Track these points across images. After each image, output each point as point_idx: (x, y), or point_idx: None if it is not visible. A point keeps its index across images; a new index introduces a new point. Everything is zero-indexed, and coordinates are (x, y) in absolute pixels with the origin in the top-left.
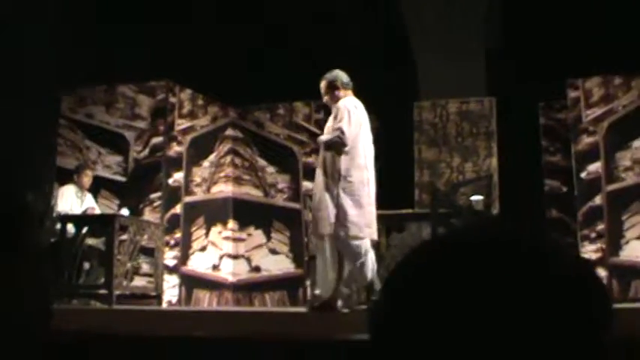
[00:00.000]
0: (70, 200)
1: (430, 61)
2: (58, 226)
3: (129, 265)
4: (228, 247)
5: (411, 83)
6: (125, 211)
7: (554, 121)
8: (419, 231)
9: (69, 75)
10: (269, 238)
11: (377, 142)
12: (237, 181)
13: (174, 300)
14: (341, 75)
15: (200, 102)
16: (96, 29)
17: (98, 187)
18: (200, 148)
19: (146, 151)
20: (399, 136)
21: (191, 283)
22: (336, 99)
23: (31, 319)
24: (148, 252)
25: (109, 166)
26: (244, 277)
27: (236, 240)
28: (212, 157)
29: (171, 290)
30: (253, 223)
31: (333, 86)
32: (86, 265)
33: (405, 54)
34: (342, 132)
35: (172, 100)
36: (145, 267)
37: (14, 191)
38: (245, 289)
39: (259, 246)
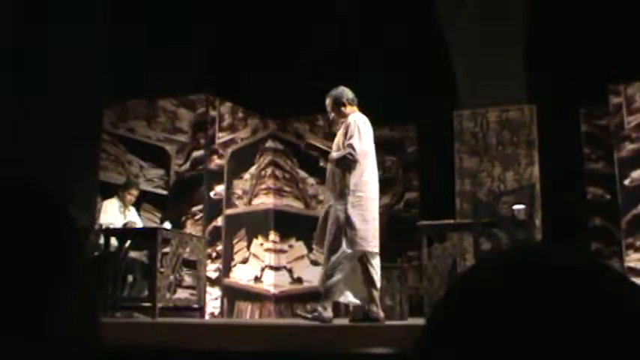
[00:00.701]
0: (113, 214)
1: (469, 68)
2: (102, 239)
3: (172, 277)
4: (270, 259)
5: (450, 92)
6: (167, 225)
7: (596, 127)
8: (460, 241)
9: (111, 89)
10: (310, 249)
11: (417, 152)
12: (278, 192)
13: (216, 312)
14: (347, 91)
15: (240, 114)
16: (136, 44)
17: (140, 201)
18: (241, 161)
19: (187, 165)
20: (440, 146)
21: (233, 295)
22: (342, 115)
23: (81, 338)
24: (191, 264)
25: (151, 179)
26: (286, 289)
27: (277, 252)
28: (253, 169)
29: (213, 302)
30: (294, 235)
31: (339, 103)
32: (130, 279)
33: (444, 62)
34: (354, 148)
35: (212, 113)
36: (188, 279)
37: (62, 207)
38: (287, 300)
39: (301, 257)
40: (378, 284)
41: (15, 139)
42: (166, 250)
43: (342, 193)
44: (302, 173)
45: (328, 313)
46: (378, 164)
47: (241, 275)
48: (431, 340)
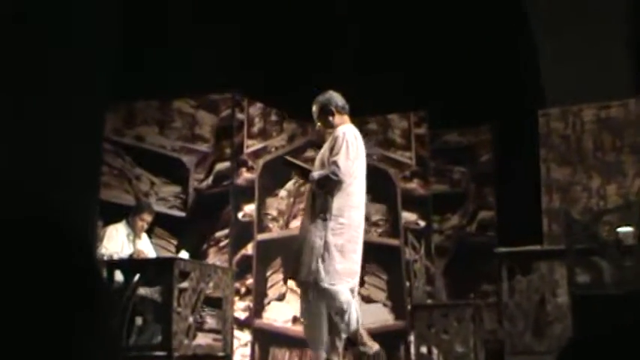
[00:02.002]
0: (119, 243)
1: (558, 57)
2: (104, 273)
3: (191, 319)
4: None
5: (534, 86)
6: (185, 254)
7: None
8: (550, 273)
9: (113, 89)
10: (362, 283)
11: (493, 161)
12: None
13: None
14: (335, 97)
15: (273, 118)
16: (146, 35)
17: (152, 225)
18: (275, 175)
19: (209, 180)
20: (521, 153)
21: (267, 339)
22: (330, 126)
23: None
24: (214, 303)
25: (165, 198)
26: None
27: None
28: (290, 184)
29: (242, 349)
30: None
31: (327, 111)
32: (139, 321)
33: (526, 50)
34: (338, 167)
35: (240, 116)
36: (211, 321)
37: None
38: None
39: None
40: (354, 324)
41: None
42: (184, 285)
43: (321, 217)
44: None
45: (375, 346)
46: (444, 175)
47: (277, 315)
48: None
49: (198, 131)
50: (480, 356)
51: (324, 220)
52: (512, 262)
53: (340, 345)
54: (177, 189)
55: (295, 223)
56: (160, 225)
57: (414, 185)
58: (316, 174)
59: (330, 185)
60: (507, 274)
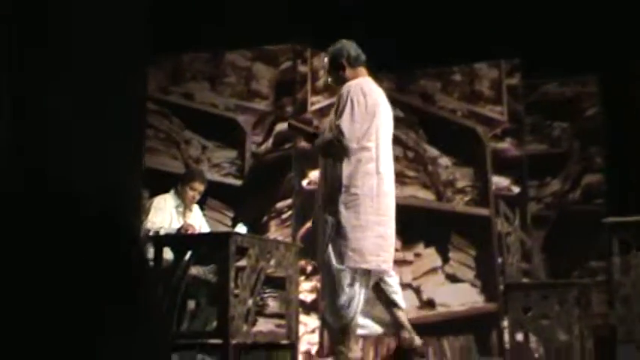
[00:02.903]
0: (168, 216)
1: None
2: (151, 251)
3: (250, 302)
4: None
5: None
6: (242, 228)
7: None
8: None
9: (157, 40)
10: (446, 259)
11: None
12: (398, 179)
13: (313, 350)
14: (347, 47)
15: None
16: None
17: (204, 195)
18: None
19: (269, 143)
20: (635, 106)
21: None
22: (342, 80)
23: None
24: (277, 284)
25: (218, 164)
26: (412, 316)
27: (399, 263)
28: None
29: (309, 336)
30: (423, 239)
31: (337, 64)
32: (191, 305)
33: None
34: (341, 131)
35: (302, 69)
36: (273, 305)
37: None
38: (414, 332)
39: (432, 271)
40: (402, 304)
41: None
42: (242, 263)
43: (333, 189)
44: (432, 151)
45: (355, 354)
46: (542, 133)
47: None
48: None
49: (254, 87)
50: (586, 345)
51: (335, 192)
52: (625, 234)
53: (404, 317)
54: (232, 154)
55: None
56: (214, 195)
57: (506, 145)
58: (320, 140)
59: (334, 152)
60: (619, 249)
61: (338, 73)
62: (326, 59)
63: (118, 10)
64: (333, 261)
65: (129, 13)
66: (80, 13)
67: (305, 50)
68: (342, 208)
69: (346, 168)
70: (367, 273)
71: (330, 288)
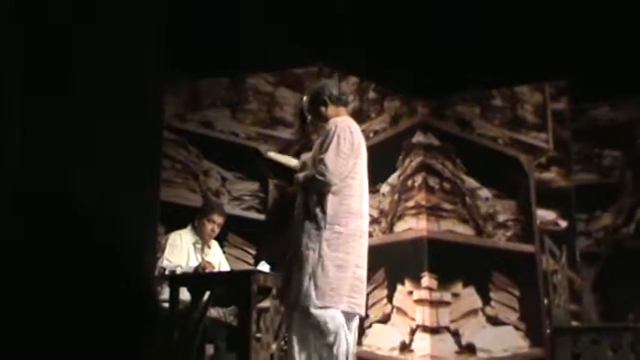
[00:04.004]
0: (185, 253)
1: None
2: (166, 290)
3: (274, 347)
4: (424, 316)
5: None
6: (265, 266)
7: None
8: None
9: (173, 64)
10: (487, 300)
11: None
12: (434, 212)
13: None
14: (330, 86)
15: (372, 95)
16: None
17: (224, 231)
18: (375, 166)
19: None
20: None
21: None
22: (323, 119)
23: None
24: None
25: (239, 197)
26: None
27: (435, 304)
28: (394, 177)
29: None
30: (461, 278)
31: (318, 101)
32: (209, 350)
33: None
34: (325, 165)
35: None
36: None
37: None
38: None
39: (472, 313)
40: (342, 358)
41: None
42: (265, 304)
43: (314, 227)
44: (470, 181)
45: None
46: (591, 161)
47: (381, 342)
48: None
49: (278, 114)
50: None
51: (318, 229)
52: None
53: None
54: (254, 186)
55: (402, 226)
56: (234, 230)
57: (551, 175)
58: (301, 175)
59: (317, 187)
60: None
61: (319, 110)
62: (305, 97)
63: (134, 32)
64: (314, 299)
65: (144, 34)
66: (98, 33)
67: (332, 74)
68: (324, 246)
69: (331, 205)
70: (345, 314)
71: (315, 329)
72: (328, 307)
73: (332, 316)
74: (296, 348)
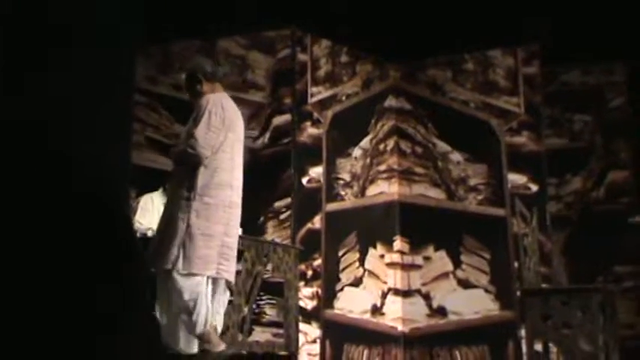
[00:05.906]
0: (156, 215)
1: None
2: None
3: (245, 310)
4: (396, 279)
5: None
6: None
7: None
8: None
9: (144, 28)
10: (458, 263)
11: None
12: (406, 176)
13: None
14: (203, 63)
15: (344, 58)
16: None
17: None
18: (347, 130)
19: (265, 137)
20: None
21: (340, 334)
22: (199, 95)
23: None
24: (274, 290)
25: None
26: (422, 325)
27: (407, 267)
28: (366, 141)
29: (309, 347)
30: (432, 242)
31: (193, 79)
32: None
33: None
34: (195, 139)
35: (302, 57)
36: (271, 312)
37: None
38: (424, 342)
39: (443, 276)
40: (201, 324)
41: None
42: (238, 268)
43: (184, 197)
44: (442, 145)
45: (221, 346)
46: (562, 126)
47: (352, 305)
48: None
49: (250, 77)
50: (613, 357)
51: (188, 200)
52: None
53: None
54: None
55: (374, 190)
56: None
57: (523, 139)
58: (175, 148)
59: (188, 160)
60: None
61: (195, 87)
62: (183, 75)
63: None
64: (180, 266)
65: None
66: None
67: (305, 37)
68: (193, 216)
69: (201, 177)
70: (212, 280)
71: (177, 294)
72: (194, 274)
73: (193, 284)
74: (159, 311)
